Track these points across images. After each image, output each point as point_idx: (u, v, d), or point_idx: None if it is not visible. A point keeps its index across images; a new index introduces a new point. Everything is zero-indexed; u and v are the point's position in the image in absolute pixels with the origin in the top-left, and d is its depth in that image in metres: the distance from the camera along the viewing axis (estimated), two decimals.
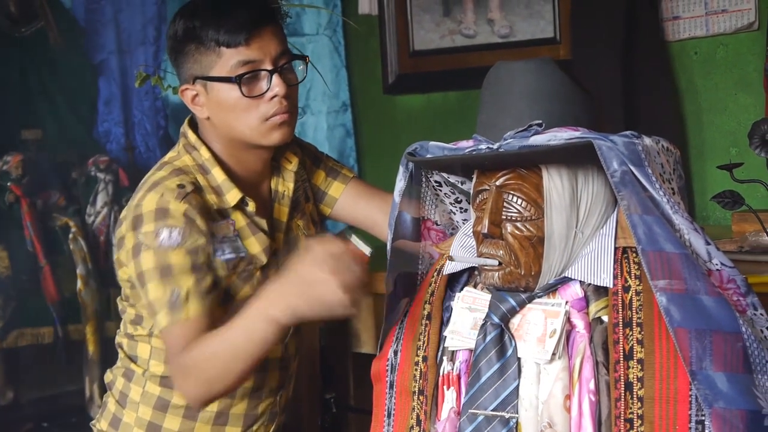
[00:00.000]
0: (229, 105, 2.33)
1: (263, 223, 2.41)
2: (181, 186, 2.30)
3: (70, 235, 4.59)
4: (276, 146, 2.42)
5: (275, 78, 2.32)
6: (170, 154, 2.44)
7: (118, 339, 2.54)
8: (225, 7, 2.35)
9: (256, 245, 2.39)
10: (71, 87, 5.09)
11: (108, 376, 2.58)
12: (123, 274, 2.42)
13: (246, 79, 2.31)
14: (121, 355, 2.53)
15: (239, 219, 2.38)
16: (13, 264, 4.48)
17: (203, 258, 2.29)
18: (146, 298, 2.28)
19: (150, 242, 2.26)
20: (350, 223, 2.67)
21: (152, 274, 2.27)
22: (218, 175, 2.37)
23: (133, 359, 2.49)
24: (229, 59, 2.31)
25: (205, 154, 2.38)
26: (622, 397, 1.68)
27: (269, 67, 2.33)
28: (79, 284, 4.55)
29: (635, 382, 1.68)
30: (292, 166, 2.50)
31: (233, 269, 2.35)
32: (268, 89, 2.32)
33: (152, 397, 2.46)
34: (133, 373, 2.49)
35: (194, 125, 2.46)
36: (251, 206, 2.38)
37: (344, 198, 2.63)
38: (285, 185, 2.48)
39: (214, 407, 2.43)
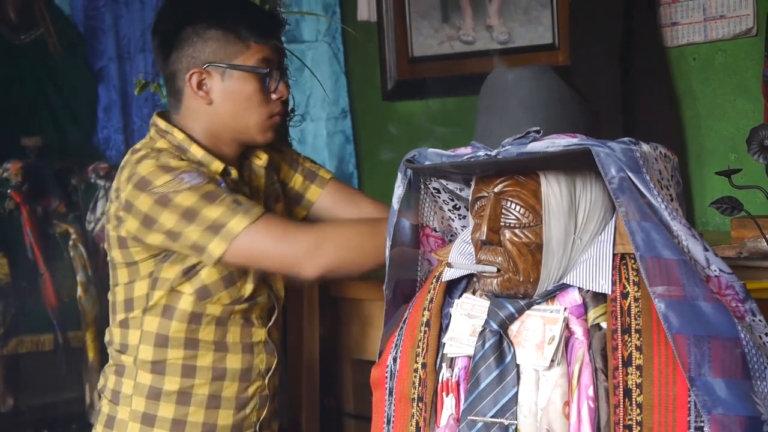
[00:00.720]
0: (244, 95, 2.46)
1: (246, 190, 2.52)
2: (169, 153, 2.42)
3: (70, 242, 4.60)
4: (261, 144, 2.54)
5: (282, 82, 2.49)
6: (142, 141, 2.54)
7: (107, 337, 2.60)
8: (251, 5, 2.56)
9: None
10: (71, 94, 5.10)
11: (100, 382, 2.63)
12: (118, 254, 2.48)
13: (268, 75, 2.46)
14: (111, 352, 2.59)
15: (228, 182, 2.47)
16: (13, 271, 4.48)
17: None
18: (204, 224, 2.34)
19: (177, 187, 2.35)
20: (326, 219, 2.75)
21: (201, 203, 2.34)
22: (197, 152, 2.46)
23: (123, 350, 2.54)
24: (255, 53, 2.45)
25: (178, 135, 2.48)
26: (621, 403, 1.68)
27: (277, 70, 2.49)
28: (79, 291, 4.55)
29: (634, 388, 1.68)
30: (262, 162, 2.61)
31: None
32: (275, 90, 2.48)
33: (144, 387, 2.51)
34: (123, 367, 2.54)
35: (163, 117, 2.55)
36: (234, 174, 2.49)
37: (321, 202, 2.72)
38: (257, 180, 2.60)
39: (206, 390, 2.50)
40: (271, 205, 2.63)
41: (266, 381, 2.58)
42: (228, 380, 2.52)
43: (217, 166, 2.45)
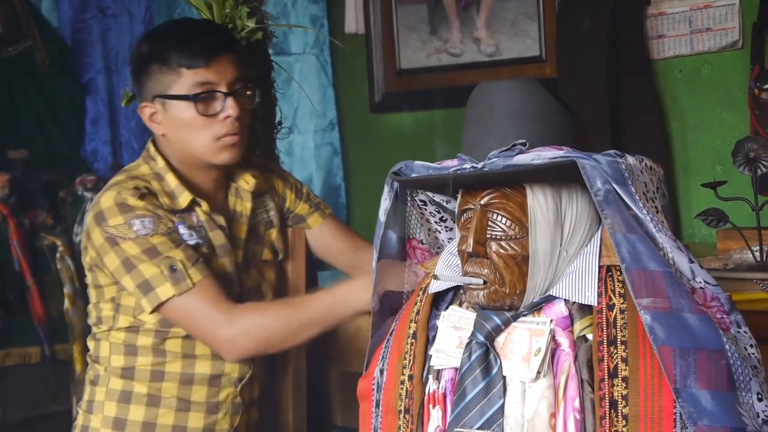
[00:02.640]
0: (184, 122, 2.51)
1: (221, 219, 2.58)
2: (137, 188, 2.48)
3: (57, 254, 4.59)
4: (225, 166, 2.59)
5: (229, 100, 2.51)
6: (131, 164, 2.64)
7: (89, 351, 2.67)
8: (190, 32, 2.59)
9: (217, 239, 2.57)
10: (58, 106, 5.10)
11: (79, 402, 2.68)
12: (89, 275, 2.59)
13: (202, 98, 2.50)
14: (89, 362, 2.67)
15: (200, 213, 2.55)
16: (0, 283, 4.47)
17: (178, 236, 2.48)
18: (137, 280, 2.43)
19: (125, 233, 2.43)
20: (321, 257, 2.91)
21: (140, 258, 2.43)
22: (171, 181, 2.54)
23: (96, 360, 2.63)
24: (187, 80, 2.49)
25: (160, 162, 2.56)
26: (607, 415, 1.69)
27: (224, 90, 2.52)
28: (67, 303, 4.55)
29: (620, 400, 1.68)
30: (249, 186, 2.68)
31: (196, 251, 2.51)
32: (221, 110, 2.50)
33: (115, 392, 2.58)
34: (98, 377, 2.62)
35: (156, 142, 2.63)
36: (204, 206, 2.56)
37: (319, 232, 2.83)
38: (243, 205, 2.65)
39: (174, 393, 2.56)
40: (262, 232, 2.69)
41: (239, 389, 2.61)
42: (197, 384, 2.57)
43: (185, 198, 2.53)
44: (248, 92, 2.59)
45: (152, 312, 2.46)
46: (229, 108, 2.50)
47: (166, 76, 2.49)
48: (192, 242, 2.49)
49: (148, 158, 2.58)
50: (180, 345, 2.55)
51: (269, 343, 2.49)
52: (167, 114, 2.52)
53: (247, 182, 2.65)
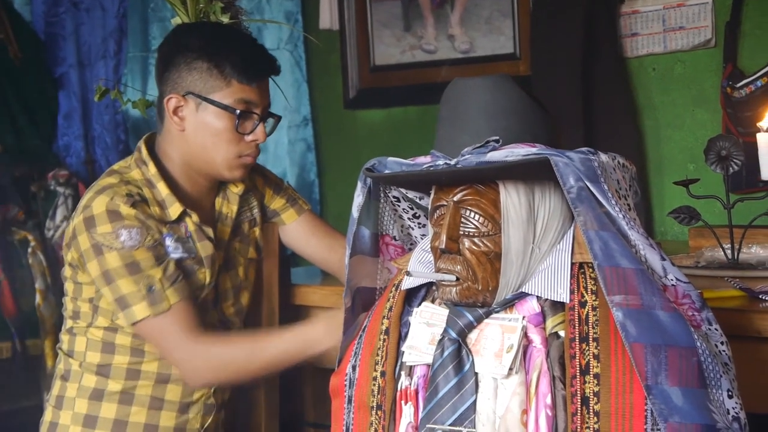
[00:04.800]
0: (214, 130, 2.51)
1: (209, 231, 2.58)
2: (129, 195, 2.46)
3: (29, 249, 4.57)
4: (228, 180, 2.61)
5: (261, 126, 2.54)
6: (121, 164, 2.60)
7: (59, 344, 2.62)
8: (249, 47, 2.58)
9: (204, 249, 2.56)
10: (31, 100, 5.06)
11: (47, 397, 2.65)
12: (68, 269, 2.56)
13: (243, 115, 2.50)
14: (60, 357, 2.65)
15: (189, 224, 2.54)
16: None
17: (163, 250, 2.47)
18: (115, 294, 2.43)
19: (111, 243, 2.42)
20: (298, 253, 2.87)
21: (120, 272, 2.42)
22: (162, 190, 2.52)
23: (70, 355, 2.60)
24: (234, 92, 2.49)
25: (152, 169, 2.54)
26: (579, 411, 1.69)
27: (260, 114, 2.54)
28: (38, 298, 4.53)
29: (591, 396, 1.69)
30: (237, 189, 2.68)
31: (178, 264, 2.51)
32: (251, 132, 2.52)
33: (87, 389, 2.56)
34: (69, 372, 2.60)
35: (149, 142, 2.61)
36: (194, 217, 2.55)
37: (295, 228, 2.82)
38: (229, 207, 2.64)
39: (148, 391, 2.55)
40: (246, 230, 2.69)
41: (212, 390, 2.62)
42: (171, 384, 2.57)
43: (175, 210, 2.51)
44: (270, 119, 2.62)
45: (128, 326, 2.47)
46: (259, 132, 2.52)
47: (214, 80, 2.48)
48: (176, 256, 2.48)
49: (140, 162, 2.55)
50: None
51: (230, 377, 2.53)
52: (198, 115, 2.50)
53: (236, 186, 2.66)
